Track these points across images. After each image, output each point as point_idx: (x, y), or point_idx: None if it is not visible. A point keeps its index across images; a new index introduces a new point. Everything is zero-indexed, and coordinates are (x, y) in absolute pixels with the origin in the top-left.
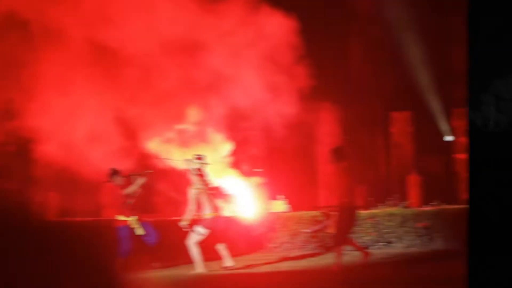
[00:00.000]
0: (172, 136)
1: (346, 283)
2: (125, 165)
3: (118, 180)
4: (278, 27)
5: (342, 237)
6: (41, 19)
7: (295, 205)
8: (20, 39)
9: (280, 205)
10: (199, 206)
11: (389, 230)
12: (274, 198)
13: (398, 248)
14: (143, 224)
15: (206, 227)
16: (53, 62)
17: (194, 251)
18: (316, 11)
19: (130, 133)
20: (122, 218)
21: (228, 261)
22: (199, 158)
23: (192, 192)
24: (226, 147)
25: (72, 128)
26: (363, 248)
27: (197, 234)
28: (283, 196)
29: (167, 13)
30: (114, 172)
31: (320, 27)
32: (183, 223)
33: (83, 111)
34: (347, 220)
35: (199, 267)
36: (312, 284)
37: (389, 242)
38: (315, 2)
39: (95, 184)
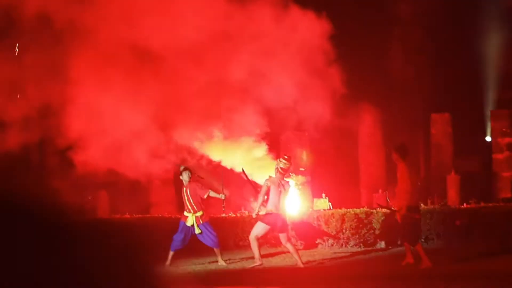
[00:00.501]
0: (208, 135)
1: (386, 276)
2: (168, 162)
3: (186, 177)
4: (312, 29)
5: (413, 235)
6: (70, 19)
7: (337, 203)
8: (52, 41)
9: (323, 203)
10: (267, 201)
11: (428, 227)
12: (317, 196)
13: (437, 244)
14: (203, 225)
15: (268, 223)
16: (87, 64)
17: (255, 245)
18: (359, 15)
19: (169, 131)
20: (186, 213)
21: (299, 263)
22: (287, 159)
23: (266, 186)
24: (259, 148)
25: (112, 129)
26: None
27: (259, 229)
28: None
29: (198, 12)
30: (184, 169)
31: (363, 30)
32: (255, 214)
33: (121, 111)
34: (414, 219)
35: (258, 260)
36: (354, 278)
37: (429, 239)
38: (358, 6)
39: (142, 183)
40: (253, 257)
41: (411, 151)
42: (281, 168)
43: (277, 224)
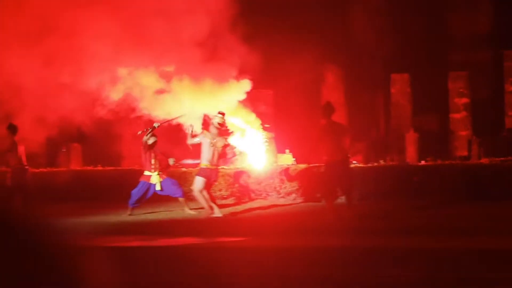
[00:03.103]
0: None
1: (344, 232)
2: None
3: (152, 139)
4: None
5: (326, 190)
6: None
7: (301, 159)
8: None
9: (286, 158)
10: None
11: (388, 183)
12: (281, 152)
13: (395, 200)
14: (165, 180)
15: (205, 176)
16: None
17: (201, 198)
18: None
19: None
20: (147, 173)
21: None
22: (222, 113)
23: (199, 138)
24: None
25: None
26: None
27: (198, 183)
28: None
29: None
30: (150, 131)
31: None
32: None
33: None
34: (330, 173)
35: (209, 209)
36: (312, 232)
37: (387, 194)
38: None
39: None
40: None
41: (372, 109)
42: (218, 123)
43: (211, 177)
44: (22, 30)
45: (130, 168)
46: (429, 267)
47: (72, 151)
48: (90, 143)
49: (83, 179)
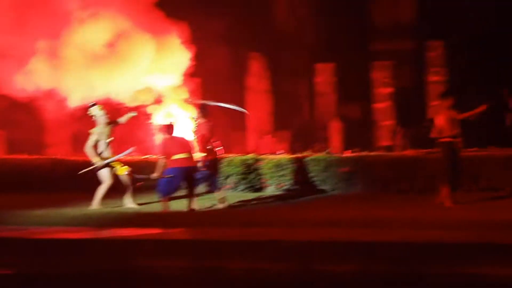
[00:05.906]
0: None
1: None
2: None
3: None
4: None
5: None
6: None
7: (225, 148)
8: None
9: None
10: None
11: (314, 174)
12: None
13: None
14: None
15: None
16: None
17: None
18: None
19: None
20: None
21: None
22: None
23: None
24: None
25: None
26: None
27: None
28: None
29: None
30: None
31: None
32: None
33: None
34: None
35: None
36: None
37: (314, 185)
38: None
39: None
40: None
41: (296, 99)
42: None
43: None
44: None
45: (54, 157)
46: None
47: None
48: (14, 130)
49: (9, 167)
